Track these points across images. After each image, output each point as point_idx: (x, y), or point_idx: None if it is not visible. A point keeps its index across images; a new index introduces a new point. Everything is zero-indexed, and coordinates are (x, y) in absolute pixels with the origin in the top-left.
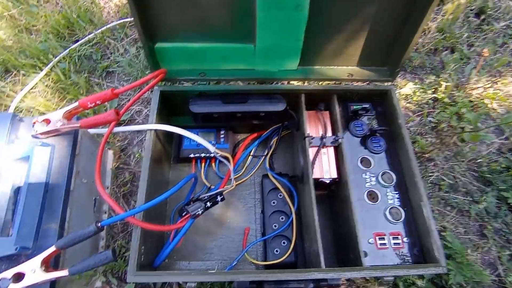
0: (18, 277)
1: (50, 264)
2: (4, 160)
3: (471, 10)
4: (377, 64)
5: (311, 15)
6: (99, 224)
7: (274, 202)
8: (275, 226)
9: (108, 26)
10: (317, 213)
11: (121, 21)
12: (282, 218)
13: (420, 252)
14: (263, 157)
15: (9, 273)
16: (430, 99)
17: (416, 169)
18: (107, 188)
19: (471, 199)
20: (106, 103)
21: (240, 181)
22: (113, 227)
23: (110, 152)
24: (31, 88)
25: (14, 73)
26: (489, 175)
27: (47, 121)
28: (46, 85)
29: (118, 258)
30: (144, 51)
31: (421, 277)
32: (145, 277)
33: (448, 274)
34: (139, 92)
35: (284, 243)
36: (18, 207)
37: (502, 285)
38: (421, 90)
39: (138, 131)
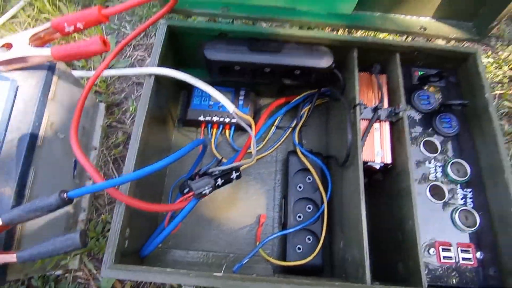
0: None
1: (1, 243)
2: None
3: None
4: (462, 17)
5: None
6: (65, 195)
7: (300, 187)
8: (299, 217)
9: None
10: (365, 207)
11: None
12: (309, 208)
13: (499, 274)
14: (291, 129)
15: None
16: (506, 77)
17: (505, 160)
18: (95, 149)
19: None
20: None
21: (259, 156)
22: (98, 197)
23: (102, 106)
24: (11, 18)
25: None
26: None
27: (8, 46)
28: (28, 15)
29: (100, 237)
30: None
31: None
32: (126, 272)
33: None
34: (141, 26)
35: (309, 239)
36: None
37: None
38: (495, 65)
39: (138, 82)
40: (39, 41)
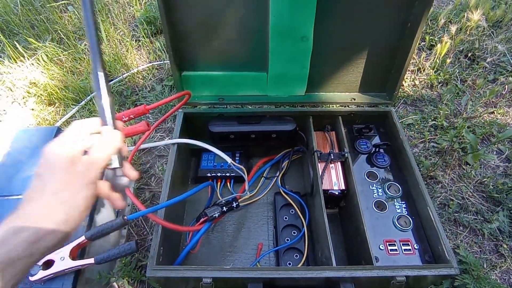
0: (48, 264)
1: (77, 255)
2: None
3: (461, 51)
4: (377, 89)
5: (315, 46)
6: (125, 217)
7: (286, 218)
8: (287, 239)
9: (138, 68)
10: (327, 217)
11: (150, 64)
12: (294, 232)
13: (432, 258)
14: (275, 177)
15: (40, 261)
16: (431, 126)
17: (419, 178)
18: (129, 205)
19: (482, 218)
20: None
21: (254, 200)
22: (129, 237)
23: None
24: (70, 117)
25: (56, 105)
26: (497, 195)
27: None
28: (83, 115)
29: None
30: (174, 79)
31: None
32: (164, 271)
33: (466, 287)
34: (166, 113)
35: (296, 256)
36: None
37: None
38: (422, 119)
39: (160, 155)
40: None
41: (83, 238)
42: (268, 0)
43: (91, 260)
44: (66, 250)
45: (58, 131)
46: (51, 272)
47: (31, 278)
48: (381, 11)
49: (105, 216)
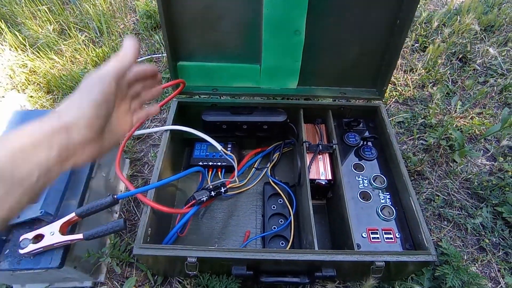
0: (38, 238)
1: (67, 231)
2: None
3: (453, 53)
4: (367, 85)
5: (308, 40)
6: (115, 196)
7: (274, 207)
8: (274, 227)
9: (138, 60)
10: (312, 206)
11: (149, 56)
12: (281, 221)
13: (412, 247)
14: (266, 169)
15: (30, 235)
16: (420, 124)
17: (404, 171)
18: (121, 191)
19: (466, 213)
20: None
21: (244, 189)
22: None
23: (127, 161)
24: None
25: (54, 93)
26: (482, 192)
27: None
28: None
29: (122, 248)
30: (169, 68)
31: (420, 284)
32: (150, 249)
33: (446, 276)
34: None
35: (282, 243)
36: None
37: None
38: (412, 117)
39: (153, 144)
40: None
41: (73, 214)
42: None
43: (80, 236)
44: (56, 225)
45: None
46: (41, 246)
47: (21, 251)
48: (371, 8)
49: (96, 195)
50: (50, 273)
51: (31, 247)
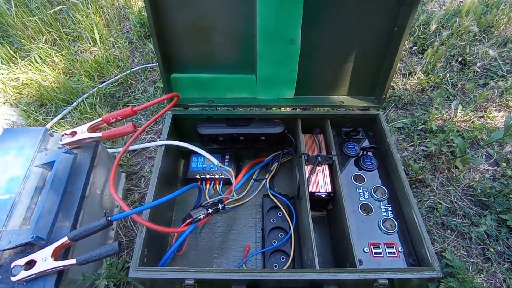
0: (30, 264)
1: (60, 255)
2: (32, 164)
3: (452, 56)
4: (366, 93)
5: (304, 49)
6: (109, 218)
7: (273, 220)
8: (274, 242)
9: (132, 70)
10: (311, 220)
11: (143, 66)
12: (281, 235)
13: (416, 261)
14: (264, 180)
15: (22, 261)
16: (421, 130)
17: (405, 182)
18: (117, 207)
19: (470, 222)
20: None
21: (242, 202)
22: (117, 238)
23: (123, 175)
24: (61, 118)
25: (47, 106)
26: (485, 199)
27: (73, 134)
28: (73, 116)
29: (120, 267)
30: (162, 81)
31: None
32: (147, 272)
33: None
34: (155, 116)
35: (283, 258)
36: (38, 203)
37: None
38: (412, 122)
39: (150, 157)
40: (93, 128)
41: (66, 238)
42: (255, 3)
43: (73, 261)
44: (48, 250)
45: (46, 132)
46: (33, 272)
47: (13, 278)
48: (368, 16)
49: (91, 213)
50: None
51: (23, 273)
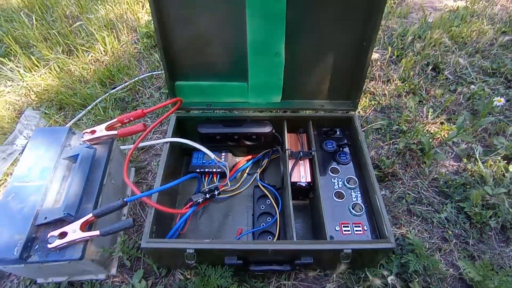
0: (62, 235)
1: (85, 229)
2: (60, 157)
3: (426, 64)
4: (342, 98)
5: (288, 60)
6: (124, 200)
7: (262, 207)
8: (262, 224)
9: (139, 77)
10: (292, 206)
11: (149, 74)
12: (268, 219)
13: (378, 237)
14: (256, 174)
15: (56, 232)
16: (395, 130)
17: (372, 173)
18: (128, 196)
19: (433, 209)
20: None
21: (236, 192)
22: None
23: (133, 169)
24: (78, 120)
25: (66, 109)
26: (447, 189)
27: (93, 132)
28: (89, 118)
29: (130, 246)
30: (167, 87)
31: (388, 270)
32: (155, 243)
33: (409, 263)
34: (161, 117)
35: (269, 238)
36: (66, 188)
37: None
38: (388, 124)
39: (156, 154)
40: (110, 127)
41: (90, 215)
42: (245, 21)
43: (97, 232)
44: (77, 224)
45: (69, 131)
46: (65, 241)
47: (49, 246)
48: (341, 32)
49: (107, 199)
50: (71, 266)
51: (57, 242)
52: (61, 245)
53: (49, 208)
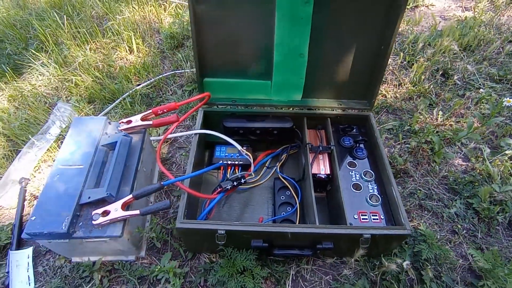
0: (105, 213)
1: (125, 209)
2: (98, 144)
3: (436, 70)
4: (359, 98)
5: (310, 61)
6: (162, 183)
7: (283, 197)
8: (283, 213)
9: (163, 75)
10: (314, 196)
11: (173, 72)
12: (289, 208)
13: (394, 226)
14: (275, 167)
15: (99, 211)
16: (407, 130)
17: (388, 167)
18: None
19: (443, 204)
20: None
21: (257, 184)
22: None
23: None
24: (106, 113)
25: (95, 103)
26: (456, 186)
27: (129, 122)
28: (116, 112)
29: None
30: (197, 83)
31: (402, 259)
32: (189, 224)
33: (422, 251)
34: (190, 110)
35: None
36: (105, 172)
37: (472, 270)
38: (400, 125)
39: (179, 147)
40: (144, 118)
41: (130, 196)
42: (274, 24)
43: (137, 211)
44: (118, 204)
45: (106, 120)
46: (108, 218)
47: (94, 222)
48: (361, 36)
49: (140, 184)
50: (108, 244)
51: (101, 219)
52: (104, 222)
53: (91, 189)
